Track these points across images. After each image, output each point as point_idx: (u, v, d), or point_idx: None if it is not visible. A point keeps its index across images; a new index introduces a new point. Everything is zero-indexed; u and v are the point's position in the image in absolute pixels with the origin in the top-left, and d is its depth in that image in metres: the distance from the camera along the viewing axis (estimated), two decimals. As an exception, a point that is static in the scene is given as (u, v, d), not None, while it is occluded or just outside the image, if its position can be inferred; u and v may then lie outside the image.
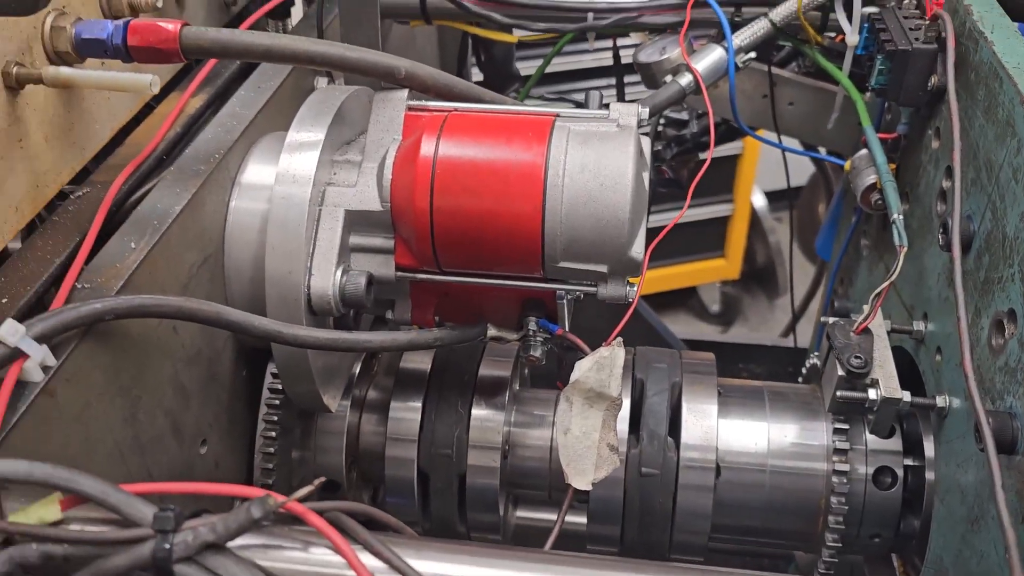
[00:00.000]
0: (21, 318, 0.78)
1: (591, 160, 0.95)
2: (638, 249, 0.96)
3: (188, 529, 0.64)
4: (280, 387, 1.10)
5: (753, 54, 1.31)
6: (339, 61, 0.98)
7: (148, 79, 0.94)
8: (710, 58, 1.30)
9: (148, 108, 1.20)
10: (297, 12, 1.47)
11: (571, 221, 0.94)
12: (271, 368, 1.12)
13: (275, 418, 1.11)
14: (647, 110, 1.01)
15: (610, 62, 1.62)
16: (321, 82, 1.26)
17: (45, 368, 0.78)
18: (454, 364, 1.20)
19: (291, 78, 1.22)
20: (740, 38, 1.30)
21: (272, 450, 1.11)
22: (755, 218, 3.54)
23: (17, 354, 0.75)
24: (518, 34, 1.55)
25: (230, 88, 1.22)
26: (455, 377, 1.18)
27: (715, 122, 1.29)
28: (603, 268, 0.97)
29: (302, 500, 0.66)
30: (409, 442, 1.16)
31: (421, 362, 1.21)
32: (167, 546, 0.63)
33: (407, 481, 1.16)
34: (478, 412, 1.16)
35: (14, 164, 0.93)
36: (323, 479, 0.68)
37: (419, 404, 1.17)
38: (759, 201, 3.52)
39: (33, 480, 0.65)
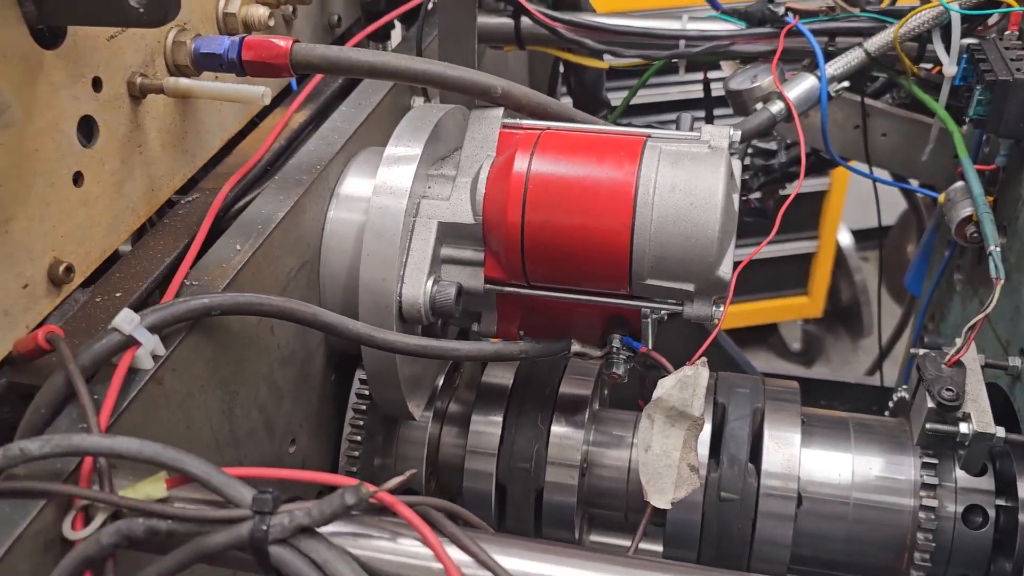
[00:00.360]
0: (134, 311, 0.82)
1: (682, 179, 0.95)
2: (726, 269, 0.96)
3: (284, 512, 0.66)
4: (367, 393, 1.13)
5: (846, 83, 1.30)
6: (439, 79, 1.02)
7: (261, 90, 0.99)
8: (802, 86, 1.29)
9: (253, 123, 1.26)
10: (396, 35, 1.53)
11: (660, 239, 0.95)
12: (359, 374, 1.15)
13: (361, 423, 1.14)
14: (739, 133, 1.02)
15: (698, 95, 1.62)
16: (417, 101, 1.31)
17: (155, 357, 0.82)
18: (536, 379, 1.21)
19: (389, 96, 1.26)
20: (833, 67, 1.29)
21: (357, 454, 1.14)
22: (840, 256, 3.46)
23: (131, 342, 0.80)
24: (609, 61, 1.57)
25: (332, 104, 1.28)
26: (536, 392, 1.20)
27: (805, 152, 1.29)
28: (690, 287, 0.97)
29: (392, 492, 0.68)
30: (488, 455, 1.18)
31: (503, 377, 1.22)
32: (264, 527, 0.66)
33: (485, 493, 1.18)
34: (558, 429, 1.17)
35: (133, 168, 0.99)
36: (413, 471, 0.70)
37: (500, 418, 1.18)
38: (845, 239, 3.45)
39: (143, 458, 0.69)
